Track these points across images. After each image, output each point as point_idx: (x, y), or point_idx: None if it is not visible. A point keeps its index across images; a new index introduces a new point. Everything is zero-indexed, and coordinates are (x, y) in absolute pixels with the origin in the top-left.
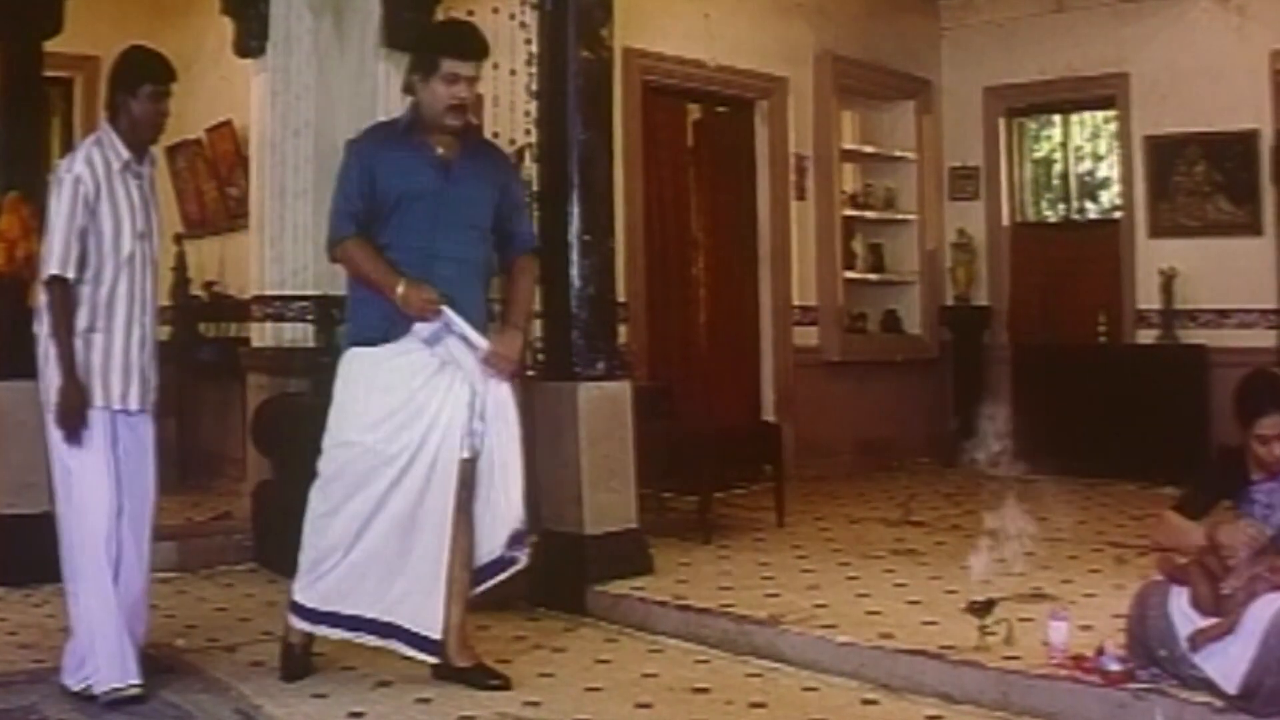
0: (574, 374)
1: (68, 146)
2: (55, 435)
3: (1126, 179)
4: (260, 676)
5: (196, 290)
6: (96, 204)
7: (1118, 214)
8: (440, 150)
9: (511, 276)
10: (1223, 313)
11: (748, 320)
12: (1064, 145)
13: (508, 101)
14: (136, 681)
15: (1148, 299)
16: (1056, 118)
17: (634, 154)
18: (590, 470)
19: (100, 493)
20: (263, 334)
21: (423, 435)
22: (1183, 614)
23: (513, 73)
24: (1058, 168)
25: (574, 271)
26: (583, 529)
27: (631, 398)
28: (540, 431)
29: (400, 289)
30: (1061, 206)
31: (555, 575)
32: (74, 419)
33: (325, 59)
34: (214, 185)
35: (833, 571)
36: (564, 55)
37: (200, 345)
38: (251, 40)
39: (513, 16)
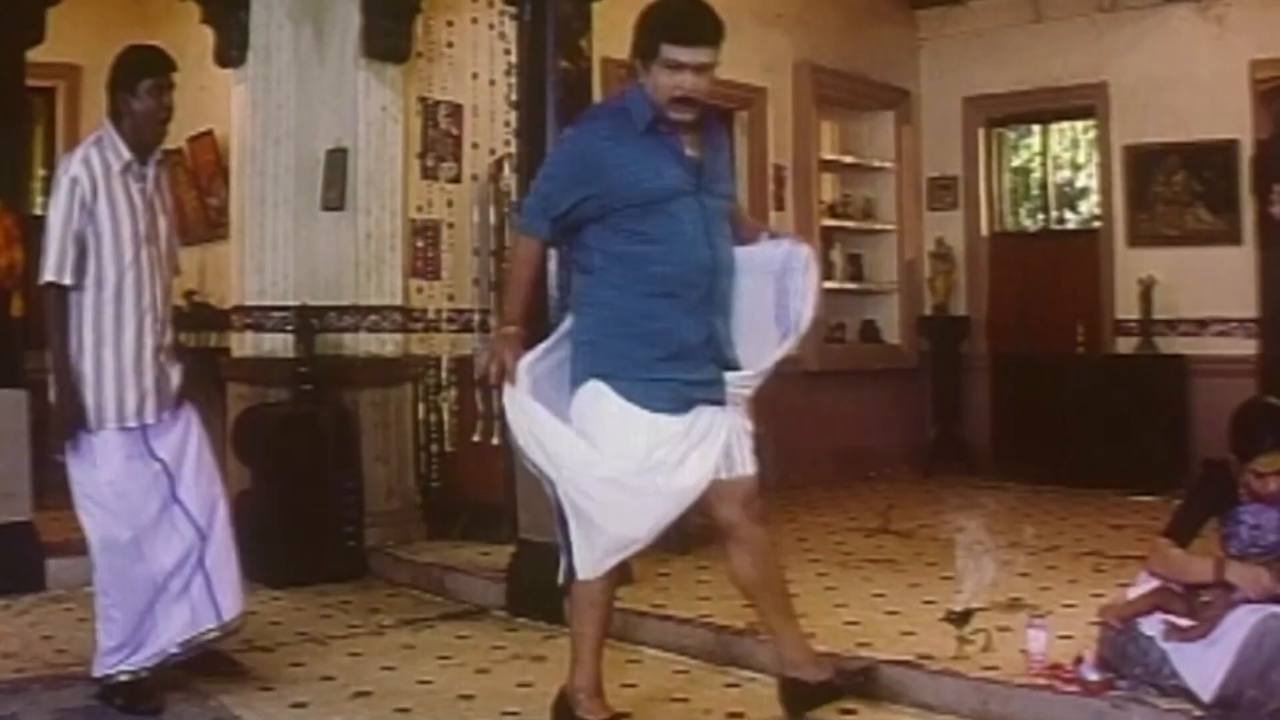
0: None
1: (51, 156)
2: (85, 449)
3: (1105, 188)
4: (240, 686)
5: (177, 300)
6: (94, 206)
7: (1097, 223)
8: (690, 151)
9: (736, 226)
10: (1202, 322)
11: None
12: (1043, 155)
13: (487, 111)
14: (129, 668)
15: (1127, 308)
16: (1035, 127)
17: None
18: None
19: (112, 513)
20: (242, 344)
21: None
22: (1155, 620)
23: (492, 82)
24: (1036, 177)
25: (552, 282)
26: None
27: None
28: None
29: (513, 329)
30: (1040, 216)
31: (534, 585)
32: (70, 435)
33: (305, 68)
34: (194, 195)
35: (811, 581)
36: (543, 65)
37: (181, 354)
38: (232, 50)
39: (492, 26)
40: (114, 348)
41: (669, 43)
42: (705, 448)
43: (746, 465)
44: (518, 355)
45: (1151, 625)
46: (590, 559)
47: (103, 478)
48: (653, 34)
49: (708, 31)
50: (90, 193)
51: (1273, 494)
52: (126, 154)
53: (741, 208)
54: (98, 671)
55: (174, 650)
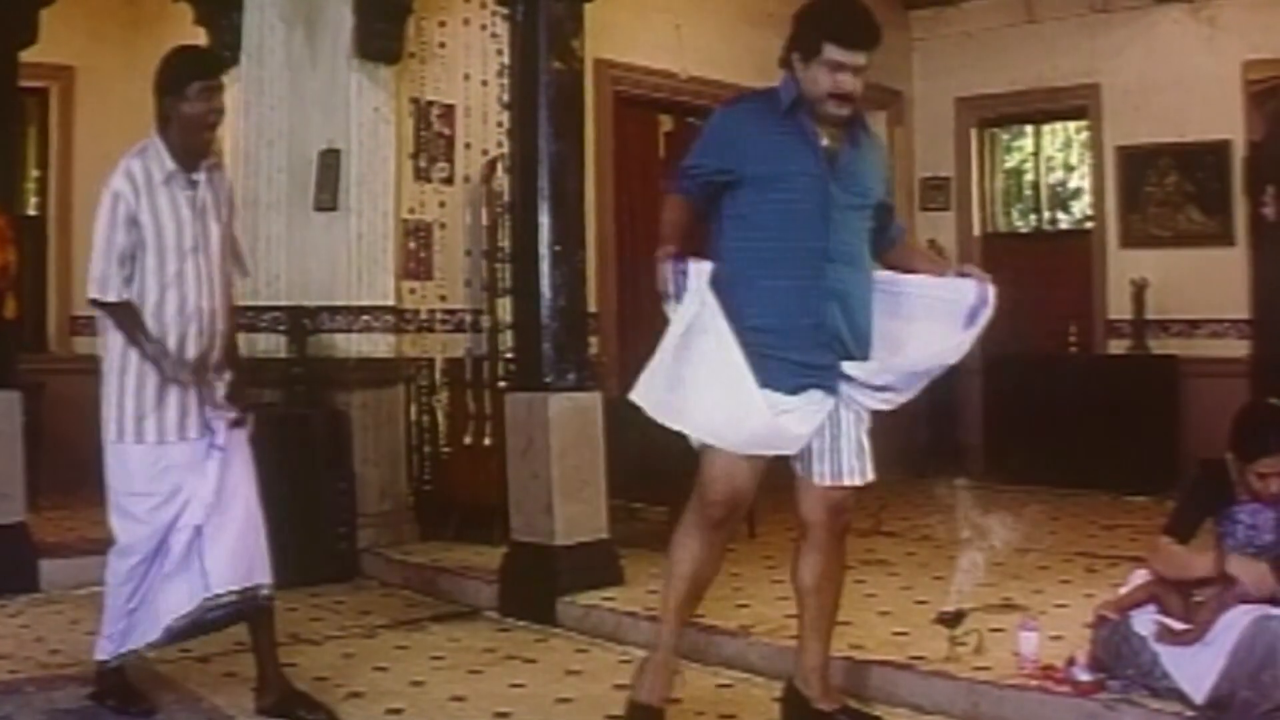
0: (545, 385)
1: (44, 157)
2: (111, 463)
3: (1098, 189)
4: (232, 687)
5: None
6: (139, 219)
7: (1089, 224)
8: (825, 140)
9: (894, 253)
10: (1194, 323)
11: None
12: (1035, 156)
13: (479, 112)
14: (122, 651)
15: (1119, 309)
16: (1028, 128)
17: (605, 165)
18: (561, 481)
19: (136, 522)
20: None
21: None
22: (1148, 619)
23: (484, 83)
24: (1029, 178)
25: (545, 283)
26: (553, 540)
27: (602, 409)
28: (511, 442)
29: (667, 250)
30: (1033, 217)
31: (526, 586)
32: (173, 365)
33: (298, 70)
34: None
35: None
36: (535, 66)
37: None
38: (224, 51)
39: (484, 27)
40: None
41: (833, 43)
42: (810, 413)
43: (853, 475)
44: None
45: (1144, 625)
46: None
47: (135, 488)
48: (817, 32)
49: (870, 36)
50: (135, 205)
51: (1274, 495)
52: (170, 163)
53: (914, 242)
54: (96, 655)
55: (175, 626)
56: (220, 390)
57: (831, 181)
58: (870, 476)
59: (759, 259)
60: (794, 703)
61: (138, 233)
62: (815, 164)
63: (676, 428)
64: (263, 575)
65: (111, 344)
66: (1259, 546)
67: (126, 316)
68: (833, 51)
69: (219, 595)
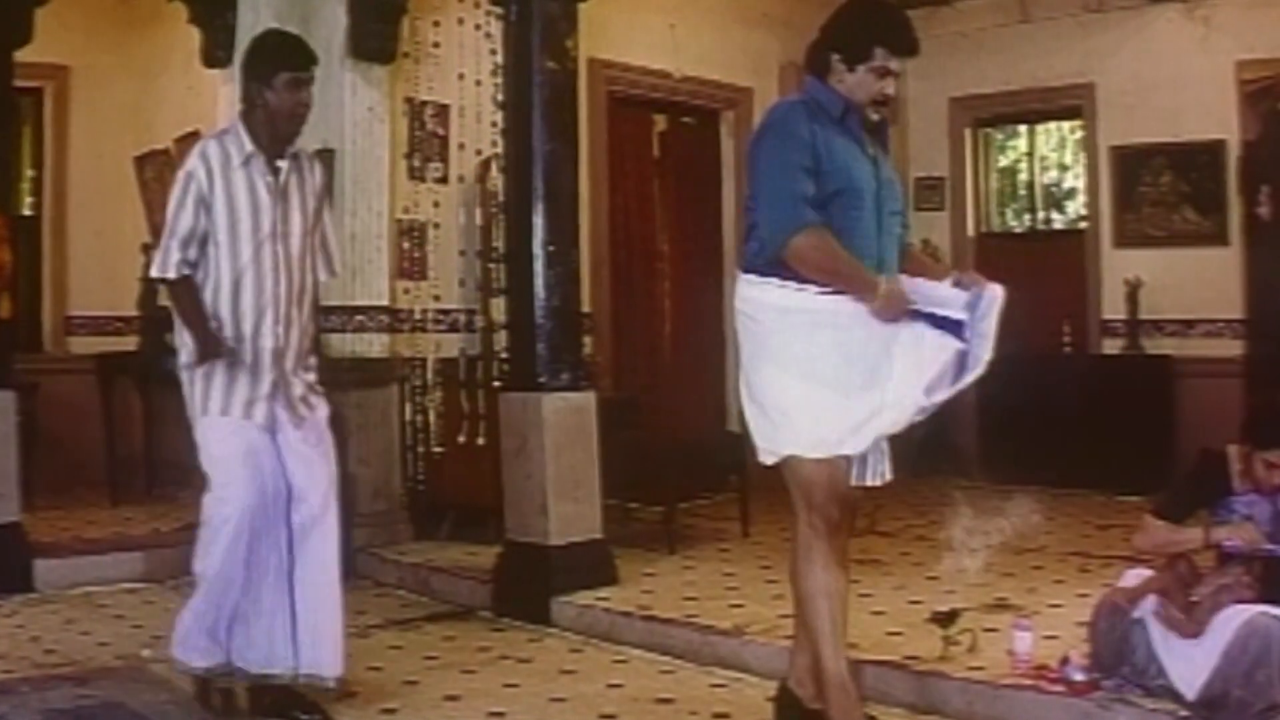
0: (539, 385)
1: (39, 157)
2: (201, 433)
3: (1092, 189)
4: None
5: (163, 300)
6: (211, 200)
7: (1083, 224)
8: (870, 147)
9: (911, 257)
10: (1188, 323)
11: (713, 331)
12: (1029, 155)
13: (474, 112)
14: (203, 665)
15: (1113, 309)
16: (1022, 128)
17: (599, 164)
18: (555, 481)
19: (235, 487)
20: None
21: None
22: (1150, 606)
23: (478, 83)
24: (1023, 178)
25: (539, 282)
26: (548, 539)
27: (596, 408)
28: (505, 442)
29: (884, 287)
30: (1027, 217)
31: (520, 585)
32: (213, 343)
33: None
34: None
35: None
36: (529, 66)
37: (167, 355)
38: (218, 50)
39: (478, 27)
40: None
41: (886, 49)
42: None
43: (876, 477)
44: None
45: (1146, 610)
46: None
47: (217, 453)
48: (868, 37)
49: (917, 44)
50: (207, 187)
51: (1275, 486)
52: (249, 145)
53: (916, 247)
54: (176, 654)
55: (251, 673)
56: (296, 388)
57: (880, 192)
58: (889, 477)
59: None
60: (786, 702)
61: (208, 215)
62: (871, 174)
63: (789, 453)
64: (338, 663)
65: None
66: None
67: (182, 292)
68: (885, 57)
69: (303, 674)
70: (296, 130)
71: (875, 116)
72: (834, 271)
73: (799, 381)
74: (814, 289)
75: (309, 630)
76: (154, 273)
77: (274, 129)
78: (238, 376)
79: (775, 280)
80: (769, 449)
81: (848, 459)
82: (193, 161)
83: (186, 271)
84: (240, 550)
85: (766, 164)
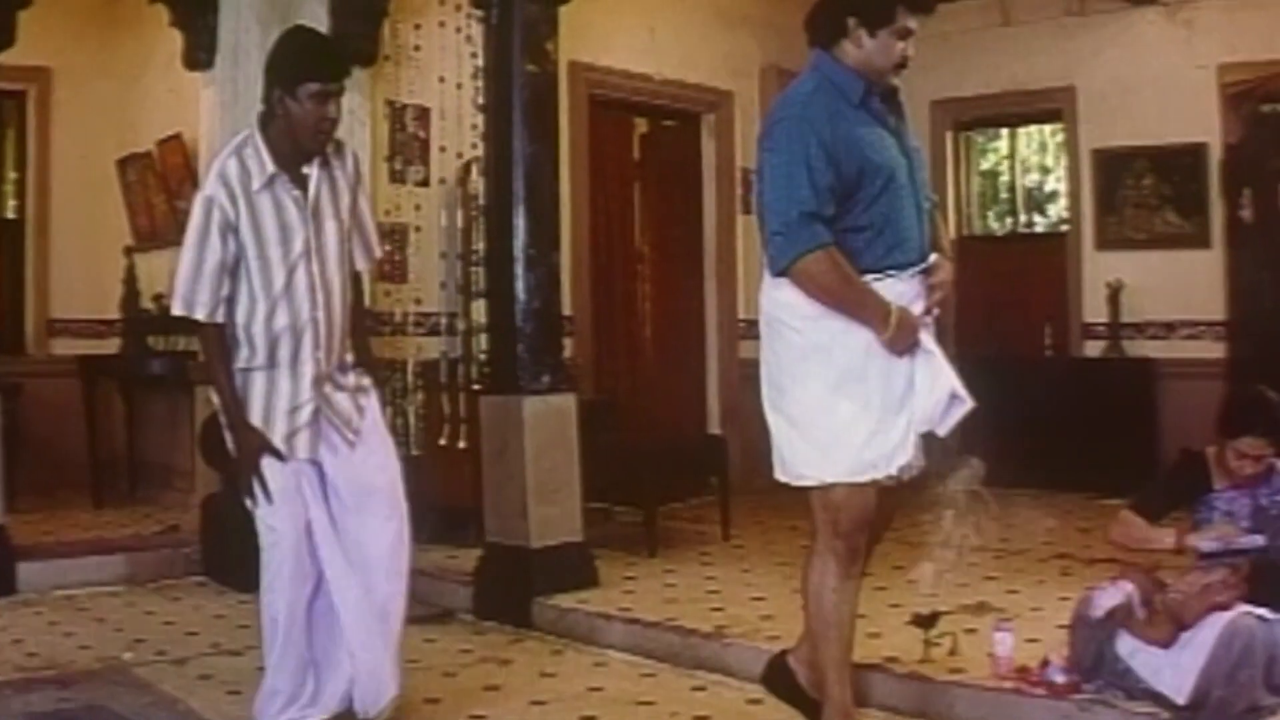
0: (519, 387)
1: (21, 160)
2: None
3: (1073, 192)
4: (208, 690)
5: (146, 303)
6: (237, 225)
7: (1065, 227)
8: (891, 120)
9: (935, 227)
10: (1170, 325)
11: (693, 333)
12: (1011, 158)
13: (454, 115)
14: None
15: (1095, 312)
16: (1003, 131)
17: (580, 167)
18: (535, 483)
19: (276, 534)
20: None
21: None
22: (1128, 639)
23: (459, 86)
24: (1004, 181)
25: (519, 285)
26: (528, 542)
27: (577, 411)
28: (485, 445)
29: (895, 318)
30: (1008, 220)
31: (500, 588)
32: (252, 470)
33: None
34: (164, 198)
35: (778, 585)
36: (510, 69)
37: (149, 358)
38: (200, 53)
39: (459, 30)
40: (265, 379)
41: (908, 9)
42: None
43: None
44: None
45: (1124, 645)
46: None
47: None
48: (889, 1)
49: (934, 2)
50: (232, 212)
51: (1246, 477)
52: (271, 166)
53: (938, 219)
54: (259, 716)
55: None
56: (341, 401)
57: (911, 167)
58: (921, 463)
59: (883, 264)
60: (779, 670)
61: (237, 244)
62: (898, 150)
63: (821, 481)
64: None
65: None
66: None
67: (214, 344)
68: (907, 18)
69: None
70: (321, 146)
71: (893, 80)
72: (843, 298)
73: (847, 401)
74: None
75: (364, 668)
76: (178, 308)
77: (295, 142)
78: (275, 405)
79: None
80: (810, 475)
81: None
82: (212, 185)
83: (220, 319)
84: (293, 598)
85: (773, 170)
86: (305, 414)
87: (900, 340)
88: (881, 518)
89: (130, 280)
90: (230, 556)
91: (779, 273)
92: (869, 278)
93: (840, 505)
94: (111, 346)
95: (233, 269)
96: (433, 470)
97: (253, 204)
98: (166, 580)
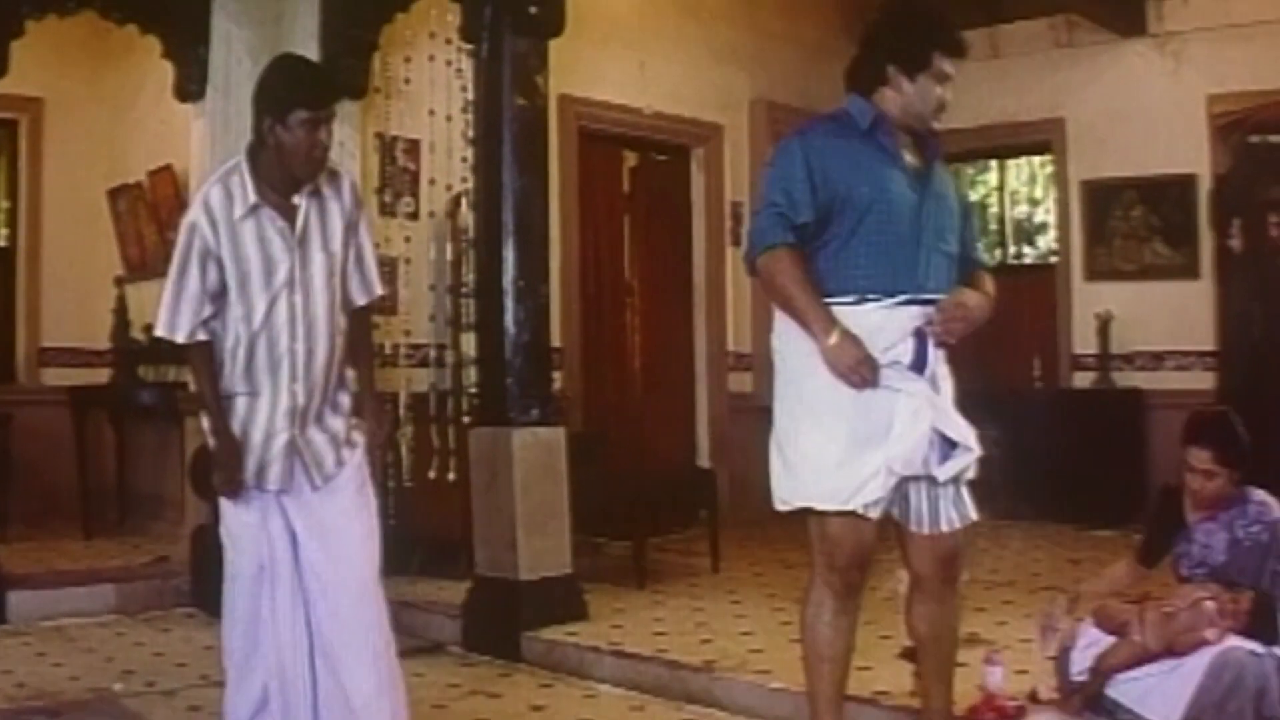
0: (508, 420)
1: (13, 188)
2: (223, 502)
3: (1063, 223)
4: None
5: (136, 333)
6: (219, 253)
7: (1054, 258)
8: (909, 156)
9: (978, 286)
10: (1159, 356)
11: (683, 366)
12: (1000, 190)
13: (444, 147)
14: None
15: (1084, 343)
16: (993, 163)
17: (570, 200)
18: (525, 516)
19: (246, 579)
20: None
21: None
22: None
23: (449, 119)
24: (994, 212)
25: (508, 317)
26: (517, 574)
27: (566, 443)
28: (475, 477)
29: (834, 339)
30: (998, 251)
31: (489, 621)
32: (229, 471)
33: None
34: (154, 229)
35: (767, 617)
36: (499, 102)
37: (139, 388)
38: (191, 84)
39: (449, 63)
40: (245, 405)
41: (946, 54)
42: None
43: (951, 523)
44: (865, 350)
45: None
46: None
47: (233, 528)
48: (928, 44)
49: (967, 45)
50: (213, 240)
51: (1193, 491)
52: (253, 196)
53: (985, 280)
54: None
55: None
56: (318, 441)
57: (922, 205)
58: (973, 517)
59: (859, 289)
60: None
61: (219, 271)
62: (910, 187)
63: (796, 506)
64: None
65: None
66: (1210, 566)
67: (200, 362)
68: (944, 63)
69: None
70: (313, 173)
71: (935, 124)
72: (788, 300)
73: (816, 429)
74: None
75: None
76: (160, 331)
77: (285, 171)
78: (251, 434)
79: None
80: (782, 498)
81: (867, 518)
82: (195, 212)
83: (202, 337)
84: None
85: (763, 182)
86: (279, 445)
87: (837, 361)
88: (936, 563)
89: (121, 310)
90: (219, 588)
91: (750, 272)
92: (843, 299)
93: (834, 539)
94: (102, 376)
95: (216, 294)
96: (422, 502)
97: (235, 232)
98: (156, 611)
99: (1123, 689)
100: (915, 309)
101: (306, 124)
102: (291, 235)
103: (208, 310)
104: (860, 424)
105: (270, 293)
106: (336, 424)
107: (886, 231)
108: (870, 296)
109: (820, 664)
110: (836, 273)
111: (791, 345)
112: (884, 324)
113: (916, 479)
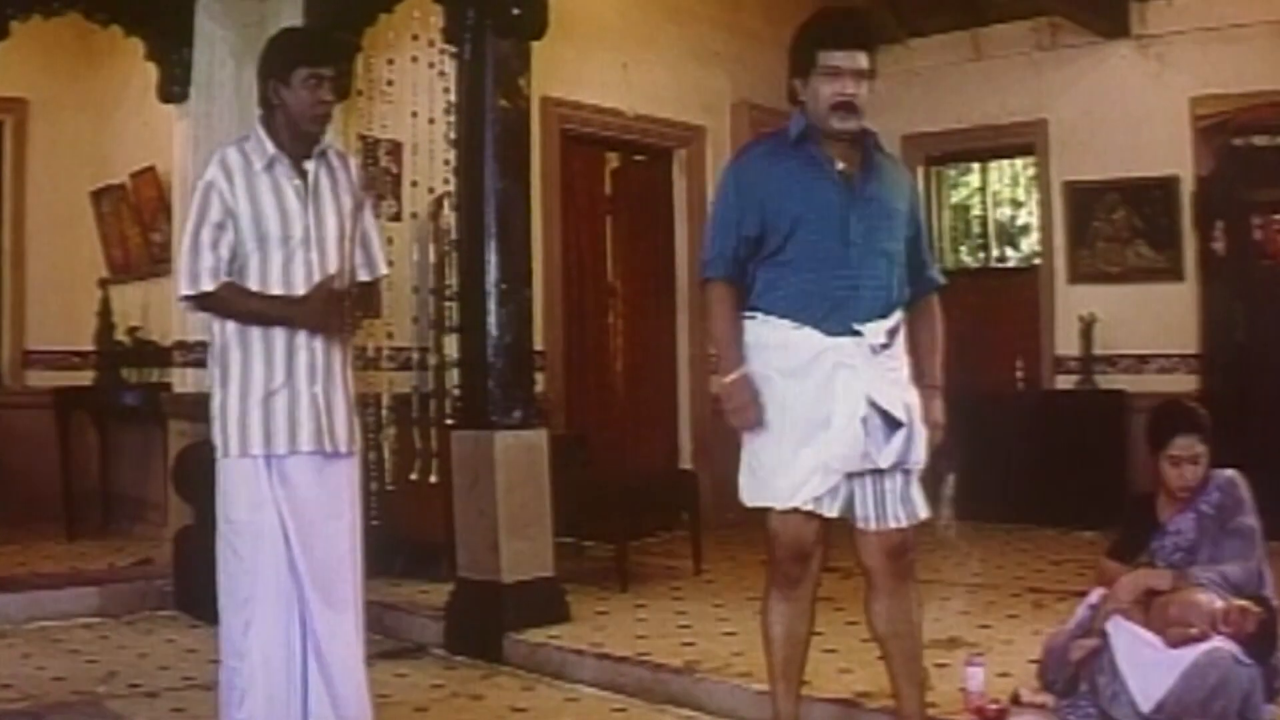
0: (490, 423)
1: None
2: (221, 478)
3: (1046, 225)
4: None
5: (120, 335)
6: (235, 209)
7: (1037, 260)
8: (840, 164)
9: (920, 323)
10: (1143, 358)
11: (665, 368)
12: (983, 192)
13: (427, 150)
14: None
15: (1067, 345)
16: (975, 165)
17: (552, 202)
18: (507, 518)
19: (265, 551)
20: (184, 380)
21: None
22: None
23: (431, 121)
24: (977, 215)
25: (491, 320)
26: (499, 577)
27: (548, 446)
28: (457, 480)
29: (729, 379)
30: (980, 254)
31: (472, 623)
32: (327, 301)
33: (247, 105)
34: (138, 230)
35: (749, 619)
36: (482, 104)
37: (123, 390)
38: (174, 86)
39: (431, 65)
40: (255, 370)
41: (825, 49)
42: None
43: (899, 520)
44: (756, 396)
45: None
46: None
47: (234, 515)
48: (809, 45)
49: (862, 35)
50: (230, 194)
51: (1186, 485)
52: (271, 149)
53: (934, 301)
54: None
55: None
56: (339, 412)
57: (851, 211)
58: (921, 515)
59: (789, 305)
60: None
61: (235, 225)
62: (837, 193)
63: (745, 502)
64: None
65: (212, 352)
66: (1185, 549)
67: (227, 293)
68: (826, 57)
69: None
70: (320, 131)
71: (843, 125)
72: (713, 333)
73: (765, 429)
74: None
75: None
76: (184, 289)
77: (294, 130)
78: (252, 405)
79: (748, 314)
80: (743, 496)
81: (817, 514)
82: (211, 170)
83: (225, 277)
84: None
85: (711, 205)
86: (305, 402)
87: (727, 400)
88: (884, 557)
89: (105, 312)
90: (203, 590)
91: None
92: (781, 322)
93: (775, 531)
94: (86, 378)
95: (231, 256)
96: (404, 505)
97: (251, 185)
98: (140, 613)
99: (1127, 659)
100: (842, 340)
101: (309, 81)
102: (305, 193)
103: (225, 252)
104: (801, 424)
105: (287, 248)
106: (344, 406)
107: (810, 243)
108: (795, 319)
109: (768, 645)
110: (768, 291)
111: (751, 340)
112: (800, 344)
113: (862, 475)
